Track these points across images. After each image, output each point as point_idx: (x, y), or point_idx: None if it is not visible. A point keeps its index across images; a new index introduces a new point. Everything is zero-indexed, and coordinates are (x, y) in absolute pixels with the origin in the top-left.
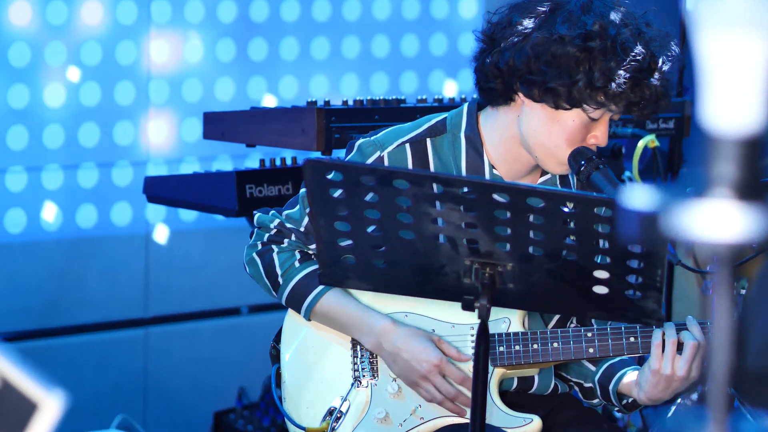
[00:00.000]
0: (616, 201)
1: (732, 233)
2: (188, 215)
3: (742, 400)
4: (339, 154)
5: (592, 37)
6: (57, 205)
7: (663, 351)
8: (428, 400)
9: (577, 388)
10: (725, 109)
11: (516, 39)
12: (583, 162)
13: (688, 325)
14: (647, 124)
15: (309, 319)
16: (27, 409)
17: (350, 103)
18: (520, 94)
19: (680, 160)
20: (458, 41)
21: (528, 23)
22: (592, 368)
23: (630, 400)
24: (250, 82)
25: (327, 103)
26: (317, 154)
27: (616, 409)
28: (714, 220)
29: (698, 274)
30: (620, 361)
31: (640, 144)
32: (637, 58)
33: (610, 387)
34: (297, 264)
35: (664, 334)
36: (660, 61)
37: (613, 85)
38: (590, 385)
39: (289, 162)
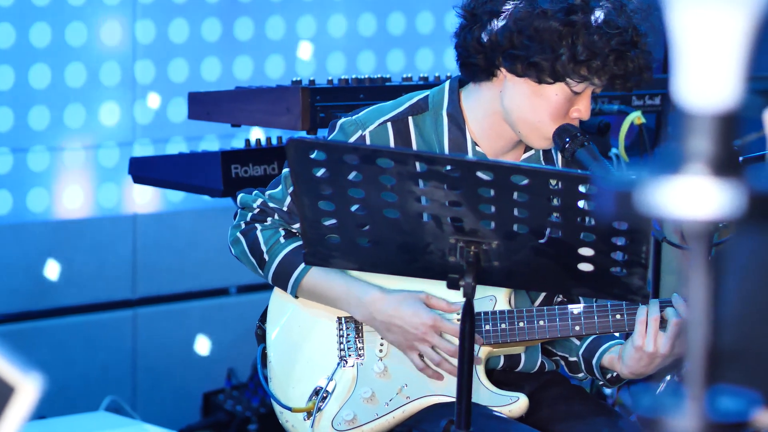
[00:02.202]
0: (596, 178)
1: (707, 209)
2: (175, 196)
3: (714, 379)
4: (324, 133)
5: (574, 10)
6: (43, 187)
7: (647, 328)
8: (421, 369)
9: (562, 362)
10: (700, 84)
11: (497, 13)
12: (567, 139)
13: (674, 302)
14: (633, 100)
15: (296, 296)
16: (4, 392)
17: (335, 82)
18: (503, 70)
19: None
20: (445, 19)
21: None
22: (577, 342)
23: (614, 374)
24: (236, 61)
25: (312, 82)
26: (302, 134)
27: (601, 383)
28: (689, 196)
29: (685, 250)
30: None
31: (627, 121)
32: (621, 31)
33: (594, 361)
34: (282, 240)
35: (648, 311)
36: (642, 33)
37: (597, 58)
38: (575, 359)
39: (274, 142)
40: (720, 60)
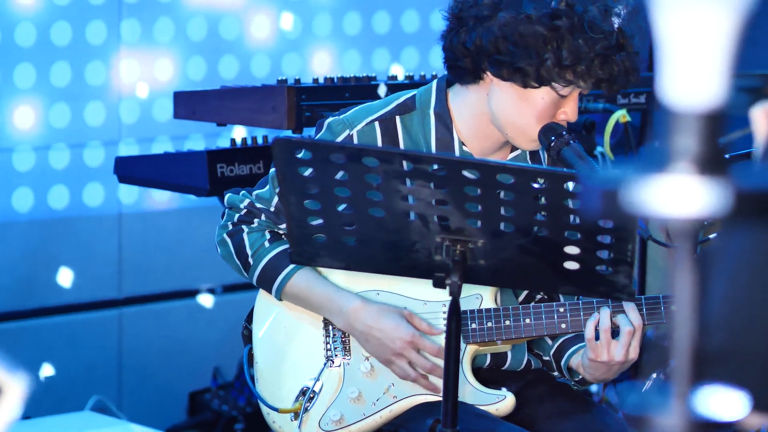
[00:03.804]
0: (581, 176)
1: (693, 208)
2: (161, 195)
3: (701, 378)
4: (310, 132)
5: (558, 15)
6: (29, 187)
7: (597, 339)
8: (403, 377)
9: (539, 361)
10: (686, 82)
11: (483, 18)
12: (553, 138)
13: (625, 307)
14: (619, 99)
15: (280, 299)
16: None
17: (321, 81)
18: (489, 73)
19: (652, 134)
20: (430, 18)
21: (495, 2)
22: (549, 342)
23: (581, 377)
24: (222, 60)
25: (297, 81)
26: (288, 133)
27: (572, 383)
28: (675, 194)
29: (670, 248)
30: (574, 336)
31: (612, 119)
32: (606, 35)
33: (562, 363)
34: (267, 244)
35: (597, 323)
36: (628, 36)
37: (582, 63)
38: (548, 358)
39: (260, 141)
40: (705, 58)
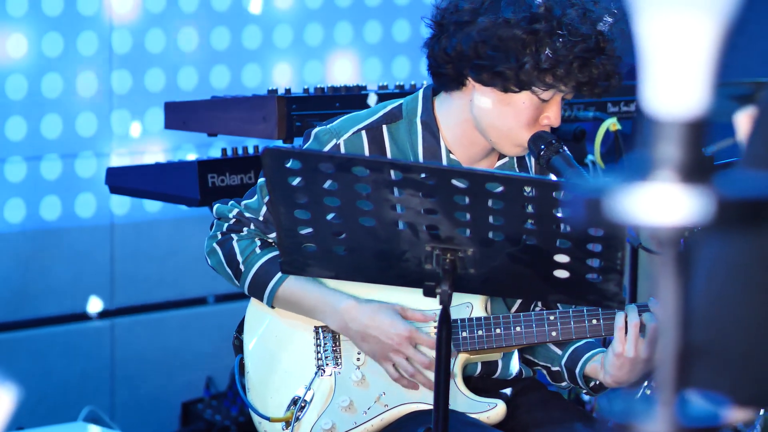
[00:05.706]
0: (569, 185)
1: (676, 216)
2: (153, 205)
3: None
4: (300, 142)
5: (537, 18)
6: (21, 198)
7: (626, 334)
8: (395, 379)
9: (544, 371)
10: (669, 91)
11: (463, 24)
12: (543, 146)
13: (651, 306)
14: (608, 107)
15: (272, 306)
16: None
17: (311, 90)
18: (470, 79)
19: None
20: (420, 27)
21: (474, 7)
22: (558, 352)
23: (597, 382)
24: (213, 71)
25: (288, 91)
26: (279, 143)
27: (584, 391)
28: (658, 202)
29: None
30: (586, 343)
31: (602, 127)
32: (584, 38)
33: (577, 371)
34: (258, 250)
35: (626, 317)
36: (607, 39)
37: (561, 66)
38: (557, 368)
39: (251, 151)
40: (688, 67)
